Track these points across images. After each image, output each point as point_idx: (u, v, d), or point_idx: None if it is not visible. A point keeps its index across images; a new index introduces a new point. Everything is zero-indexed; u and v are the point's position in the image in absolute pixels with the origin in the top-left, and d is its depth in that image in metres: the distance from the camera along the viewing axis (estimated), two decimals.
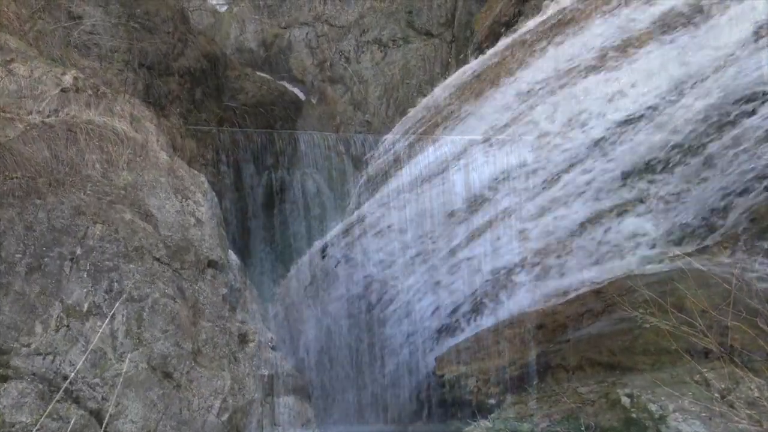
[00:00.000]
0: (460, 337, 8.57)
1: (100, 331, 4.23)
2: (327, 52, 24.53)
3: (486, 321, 8.48)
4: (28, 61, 6.76)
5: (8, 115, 5.70)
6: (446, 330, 9.23)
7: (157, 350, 4.54)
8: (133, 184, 5.89)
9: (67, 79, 6.79)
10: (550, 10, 10.82)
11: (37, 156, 5.32)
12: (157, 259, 5.14)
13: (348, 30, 24.70)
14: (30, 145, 5.45)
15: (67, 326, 4.16)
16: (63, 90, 6.56)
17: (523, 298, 8.16)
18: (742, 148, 6.54)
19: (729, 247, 6.25)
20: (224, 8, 29.21)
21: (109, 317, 4.29)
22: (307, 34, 25.40)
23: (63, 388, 3.91)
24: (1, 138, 5.29)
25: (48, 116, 6.11)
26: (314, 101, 23.49)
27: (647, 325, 5.53)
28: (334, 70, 23.80)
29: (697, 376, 4.89)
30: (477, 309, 8.81)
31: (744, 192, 6.35)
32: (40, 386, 3.89)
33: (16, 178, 4.82)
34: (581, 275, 7.63)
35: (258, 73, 20.75)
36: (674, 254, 6.81)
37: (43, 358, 3.97)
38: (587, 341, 6.00)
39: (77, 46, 10.26)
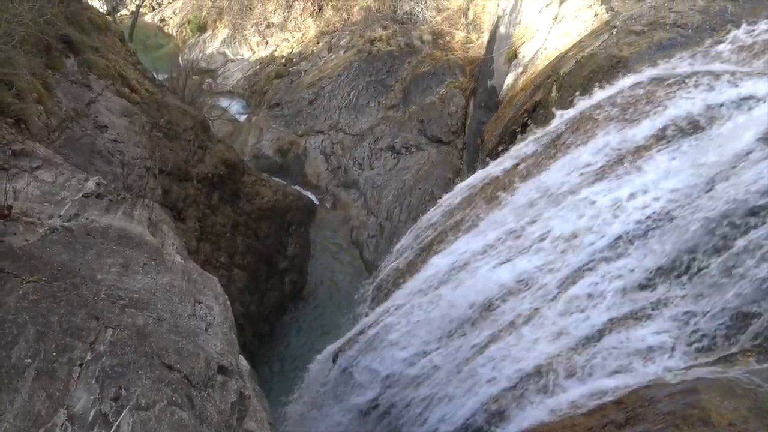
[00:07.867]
0: None
1: None
2: (341, 159, 25.31)
3: None
4: (53, 168, 7.01)
5: (30, 220, 5.84)
6: None
7: None
8: (147, 288, 5.90)
9: (90, 185, 7.01)
10: (556, 121, 11.20)
11: (54, 260, 5.39)
12: (167, 366, 5.05)
13: (362, 137, 25.63)
14: (49, 248, 5.53)
15: None
16: (85, 195, 6.75)
17: (539, 409, 7.87)
18: (759, 255, 6.51)
19: (755, 355, 6.08)
20: (243, 117, 30.57)
21: (114, 426, 4.16)
22: (322, 141, 26.34)
23: None
24: (22, 242, 5.38)
25: (68, 220, 6.25)
26: (328, 206, 23.96)
27: None
28: (348, 176, 24.44)
29: None
30: (492, 420, 8.49)
31: (767, 297, 6.25)
32: None
33: (33, 281, 4.85)
34: (600, 384, 7.39)
35: (274, 178, 21.37)
36: (697, 362, 6.61)
37: None
38: None
39: (101, 153, 10.66)
